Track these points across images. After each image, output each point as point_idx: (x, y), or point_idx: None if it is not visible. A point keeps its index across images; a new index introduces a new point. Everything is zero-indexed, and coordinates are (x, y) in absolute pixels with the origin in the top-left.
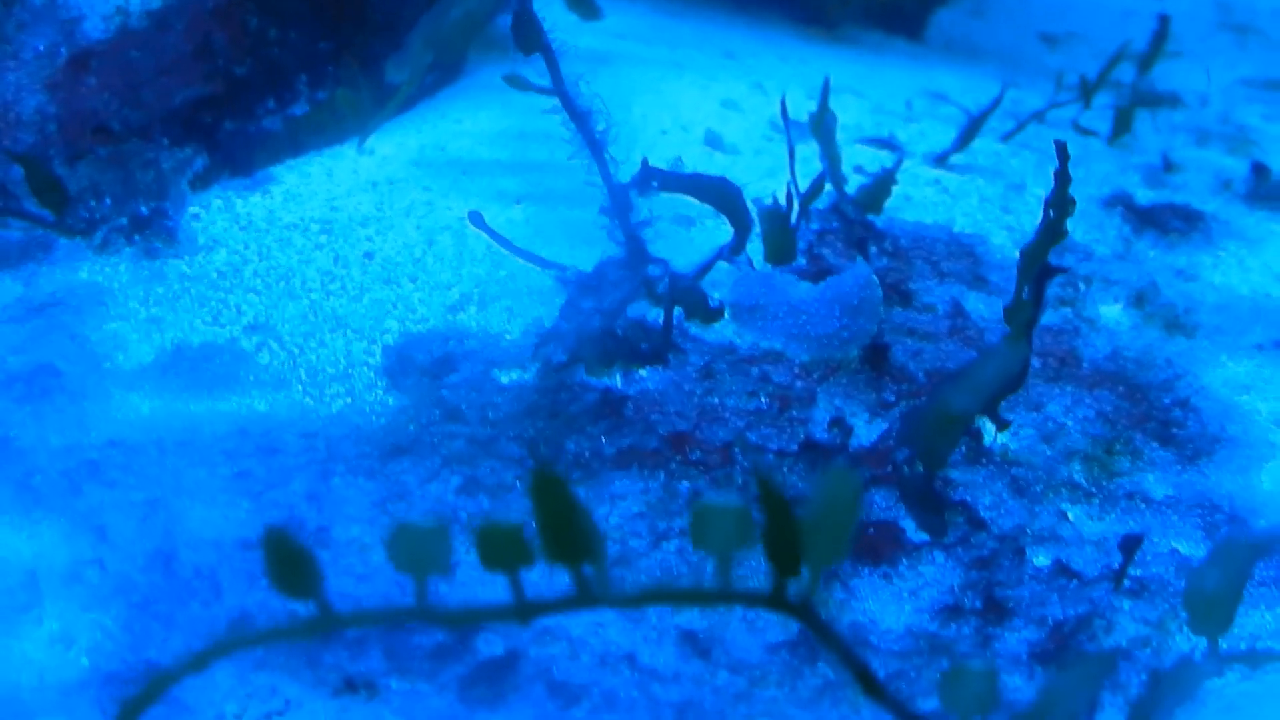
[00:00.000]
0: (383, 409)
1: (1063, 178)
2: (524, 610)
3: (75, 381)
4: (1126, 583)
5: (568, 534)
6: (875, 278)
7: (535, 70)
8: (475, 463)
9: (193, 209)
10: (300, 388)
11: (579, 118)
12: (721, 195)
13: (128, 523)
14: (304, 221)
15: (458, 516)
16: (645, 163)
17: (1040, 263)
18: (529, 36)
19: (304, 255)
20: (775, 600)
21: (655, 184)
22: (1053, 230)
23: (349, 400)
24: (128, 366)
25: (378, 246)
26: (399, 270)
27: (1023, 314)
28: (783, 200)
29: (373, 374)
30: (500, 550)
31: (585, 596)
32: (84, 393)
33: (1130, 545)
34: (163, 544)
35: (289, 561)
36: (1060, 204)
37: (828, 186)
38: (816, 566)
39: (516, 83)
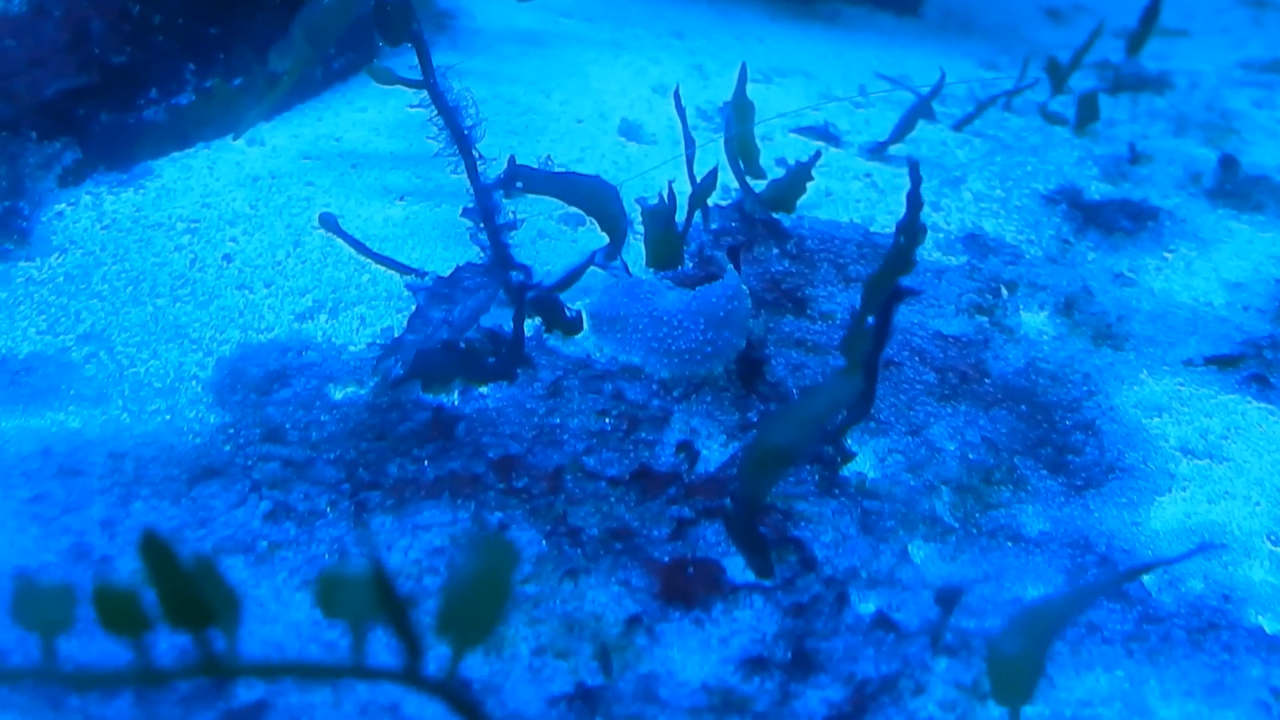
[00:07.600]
0: (201, 427)
1: (914, 201)
2: (148, 676)
3: None
4: (949, 637)
5: (184, 602)
6: (745, 288)
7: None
8: (289, 487)
9: (59, 206)
10: (120, 403)
11: (447, 112)
12: (592, 196)
13: None
14: (170, 220)
15: (255, 546)
16: (512, 161)
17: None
18: (394, 27)
19: (161, 258)
20: (409, 677)
21: (520, 185)
22: (901, 258)
23: (168, 418)
24: None
25: (241, 248)
26: (256, 274)
27: (859, 346)
28: (675, 197)
29: (200, 388)
30: (118, 615)
31: (209, 666)
32: None
33: (948, 599)
34: None
35: None
36: (911, 230)
37: (734, 184)
38: (459, 645)
39: (381, 76)
